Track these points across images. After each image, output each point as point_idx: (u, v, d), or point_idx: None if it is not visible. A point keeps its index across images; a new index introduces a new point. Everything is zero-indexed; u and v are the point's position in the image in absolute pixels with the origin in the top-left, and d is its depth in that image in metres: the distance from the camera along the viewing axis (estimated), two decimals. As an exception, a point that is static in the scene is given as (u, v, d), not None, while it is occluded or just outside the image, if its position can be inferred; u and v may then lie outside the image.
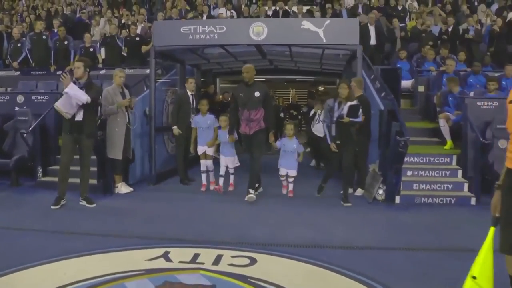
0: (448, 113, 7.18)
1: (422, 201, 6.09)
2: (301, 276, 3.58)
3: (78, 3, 16.56)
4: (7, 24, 12.57)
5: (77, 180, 5.90)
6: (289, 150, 6.48)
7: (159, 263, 3.83)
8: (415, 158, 6.65)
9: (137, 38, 9.75)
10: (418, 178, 6.45)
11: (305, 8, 13.75)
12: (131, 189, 6.75)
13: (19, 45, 9.94)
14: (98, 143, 6.34)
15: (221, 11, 12.80)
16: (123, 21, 12.53)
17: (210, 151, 6.85)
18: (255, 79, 6.19)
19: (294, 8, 12.91)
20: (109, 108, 6.42)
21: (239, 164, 6.76)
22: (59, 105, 5.54)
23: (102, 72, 9.45)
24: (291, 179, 6.57)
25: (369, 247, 4.37)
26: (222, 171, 6.72)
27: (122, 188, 6.71)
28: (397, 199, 6.10)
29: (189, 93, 7.52)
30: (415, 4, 14.73)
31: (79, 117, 5.61)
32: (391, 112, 6.45)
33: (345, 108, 5.98)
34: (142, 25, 11.00)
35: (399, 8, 13.69)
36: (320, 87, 14.75)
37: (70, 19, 13.45)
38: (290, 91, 20.60)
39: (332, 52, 7.91)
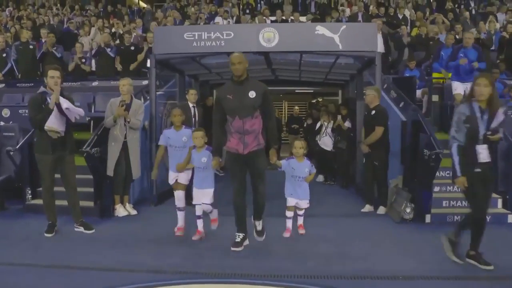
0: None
1: (455, 220, 5.56)
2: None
3: (66, 14, 15.97)
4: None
5: (65, 203, 5.29)
6: (300, 176, 4.96)
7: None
8: (441, 172, 6.12)
9: (132, 48, 9.15)
10: (446, 194, 5.94)
11: (303, 18, 13.41)
12: (130, 211, 6.12)
13: (4, 55, 9.26)
14: (95, 160, 5.72)
15: (217, 20, 12.32)
16: (113, 30, 11.98)
17: (184, 178, 5.19)
18: (249, 75, 4.50)
19: (292, 17, 12.52)
20: (107, 120, 5.85)
21: (211, 201, 4.90)
22: (52, 125, 4.89)
23: (95, 83, 8.82)
24: (301, 212, 5.13)
25: (414, 276, 3.83)
26: (198, 211, 4.95)
27: (120, 210, 6.09)
28: (428, 218, 5.57)
29: (191, 105, 6.97)
30: (412, 12, 14.56)
31: (62, 133, 4.99)
32: (416, 123, 5.95)
33: (499, 117, 3.96)
34: (134, 34, 10.42)
35: (400, 16, 13.45)
36: (319, 99, 14.40)
37: (57, 29, 12.81)
38: (282, 103, 20.10)
39: (344, 59, 7.43)
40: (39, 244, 4.76)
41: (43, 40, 10.23)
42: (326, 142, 8.87)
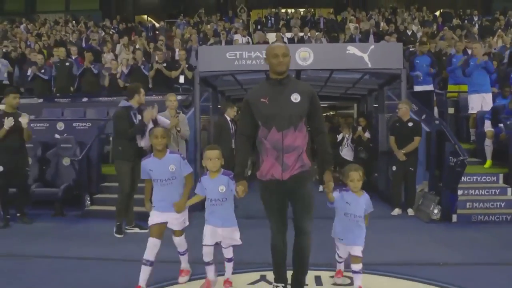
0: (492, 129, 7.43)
1: (479, 219, 6.31)
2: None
3: (82, 31, 16.76)
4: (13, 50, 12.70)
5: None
6: (356, 214, 3.78)
7: (263, 286, 3.91)
8: (463, 178, 6.89)
9: (164, 65, 9.91)
10: (469, 197, 6.68)
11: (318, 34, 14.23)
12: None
13: (43, 71, 10.00)
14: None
15: (236, 37, 13.16)
16: (137, 46, 12.74)
17: (178, 222, 3.97)
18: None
19: (309, 34, 13.36)
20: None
21: (240, 242, 3.86)
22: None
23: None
24: (357, 266, 3.74)
25: (449, 263, 4.55)
26: (208, 257, 3.80)
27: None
28: (454, 218, 6.31)
29: (229, 118, 7.69)
30: (419, 27, 15.47)
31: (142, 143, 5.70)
32: (440, 134, 6.73)
33: None
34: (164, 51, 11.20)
35: (409, 32, 14.35)
36: (333, 112, 15.19)
37: (78, 46, 13.59)
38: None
39: (369, 76, 8.23)
40: (112, 243, 5.44)
41: (72, 57, 11.02)
42: (347, 153, 9.62)
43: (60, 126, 7.39)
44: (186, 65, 9.88)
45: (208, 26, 15.53)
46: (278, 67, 3.35)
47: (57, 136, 7.32)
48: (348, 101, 12.24)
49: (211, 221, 3.78)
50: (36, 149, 7.00)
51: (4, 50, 12.14)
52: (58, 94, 9.99)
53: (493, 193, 6.80)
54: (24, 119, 6.08)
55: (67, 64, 10.09)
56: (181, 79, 9.70)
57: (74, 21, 18.92)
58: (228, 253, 3.90)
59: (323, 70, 7.67)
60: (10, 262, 4.73)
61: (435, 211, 6.38)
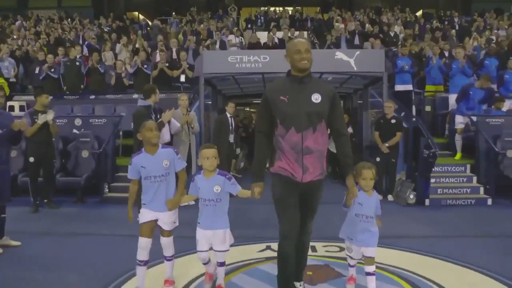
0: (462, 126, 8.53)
1: (448, 203, 7.43)
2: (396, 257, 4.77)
3: (80, 29, 17.47)
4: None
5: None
6: (368, 214, 3.70)
7: (271, 253, 4.91)
8: (435, 168, 7.97)
9: (167, 64, 10.81)
10: (440, 184, 7.79)
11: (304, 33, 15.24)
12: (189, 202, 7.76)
13: (52, 70, 10.81)
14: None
15: (230, 37, 14.09)
16: (137, 45, 13.59)
17: (168, 221, 3.83)
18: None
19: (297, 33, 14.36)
20: (175, 128, 7.34)
21: (228, 248, 3.77)
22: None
23: (135, 96, 10.45)
24: (370, 267, 3.67)
25: (427, 236, 5.61)
26: (204, 260, 3.82)
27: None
28: (427, 202, 7.42)
29: (229, 115, 8.64)
30: (402, 28, 16.56)
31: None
32: (416, 130, 7.82)
33: None
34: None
35: (391, 34, 15.44)
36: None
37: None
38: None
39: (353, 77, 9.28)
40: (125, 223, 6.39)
41: (77, 56, 11.81)
42: (332, 145, 10.64)
43: (78, 122, 8.25)
44: (187, 65, 10.80)
45: (202, 25, 16.41)
46: (301, 64, 3.23)
47: (75, 131, 8.18)
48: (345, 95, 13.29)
49: (204, 224, 3.69)
50: (58, 142, 7.84)
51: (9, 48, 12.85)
52: (67, 92, 10.81)
53: (461, 181, 7.93)
54: (50, 115, 6.96)
55: (77, 63, 10.92)
56: (182, 78, 10.63)
57: (69, 19, 19.55)
58: (221, 257, 3.76)
59: (313, 73, 8.64)
60: (49, 239, 5.64)
61: (411, 196, 7.46)
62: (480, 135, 7.84)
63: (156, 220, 3.79)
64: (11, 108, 10.16)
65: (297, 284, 3.68)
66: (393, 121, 7.88)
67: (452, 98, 9.17)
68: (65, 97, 10.67)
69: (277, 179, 3.37)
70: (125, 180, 7.69)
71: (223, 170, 3.83)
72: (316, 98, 3.25)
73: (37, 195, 7.08)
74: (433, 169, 7.50)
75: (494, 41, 13.61)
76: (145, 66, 10.80)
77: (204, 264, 3.85)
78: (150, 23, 21.36)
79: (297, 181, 3.30)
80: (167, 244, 3.87)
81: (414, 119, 8.07)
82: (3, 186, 5.06)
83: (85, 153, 7.85)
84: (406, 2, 22.96)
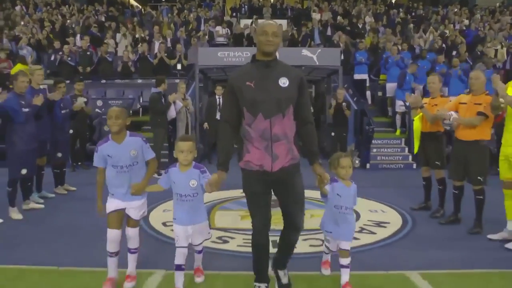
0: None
1: (383, 167, 10.26)
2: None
3: (79, 16, 19.67)
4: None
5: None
6: (347, 206, 3.76)
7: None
8: (378, 140, 10.75)
9: (166, 54, 13.33)
10: (380, 153, 10.60)
11: (283, 25, 17.67)
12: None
13: (69, 59, 13.23)
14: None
15: (217, 29, 16.58)
16: (136, 36, 15.99)
17: (136, 211, 3.83)
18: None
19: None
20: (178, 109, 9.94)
21: (210, 236, 3.96)
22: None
23: (139, 81, 12.97)
24: (346, 259, 3.79)
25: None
26: (180, 259, 3.68)
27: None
28: (368, 166, 10.22)
29: (217, 96, 11.22)
30: (372, 19, 19.14)
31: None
32: (363, 111, 10.57)
33: None
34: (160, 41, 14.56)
35: (360, 25, 18.06)
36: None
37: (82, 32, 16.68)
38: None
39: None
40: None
41: (79, 45, 14.16)
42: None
43: (100, 103, 10.79)
44: (182, 54, 13.36)
45: (191, 15, 18.82)
46: (266, 47, 3.19)
47: (97, 110, 10.71)
48: (308, 83, 15.96)
49: (181, 220, 3.65)
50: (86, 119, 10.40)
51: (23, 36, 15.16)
52: (81, 77, 13.23)
53: (395, 151, 10.74)
54: (81, 99, 9.47)
55: (88, 53, 13.36)
56: (179, 66, 13.17)
57: (67, 6, 21.64)
58: (199, 246, 3.86)
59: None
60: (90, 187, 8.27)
61: (357, 161, 10.25)
62: (409, 115, 10.63)
63: (123, 210, 3.75)
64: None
65: (281, 272, 3.63)
66: (344, 103, 10.60)
67: (389, 86, 11.93)
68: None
69: (246, 174, 3.36)
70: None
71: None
72: (283, 82, 3.21)
73: (74, 159, 9.65)
74: (374, 141, 10.29)
75: (446, 35, 16.37)
76: (148, 54, 13.31)
77: (177, 267, 3.67)
78: (140, 7, 23.68)
79: (267, 171, 3.26)
80: (132, 236, 3.80)
81: (362, 101, 10.79)
82: (67, 149, 7.66)
83: (106, 127, 10.40)
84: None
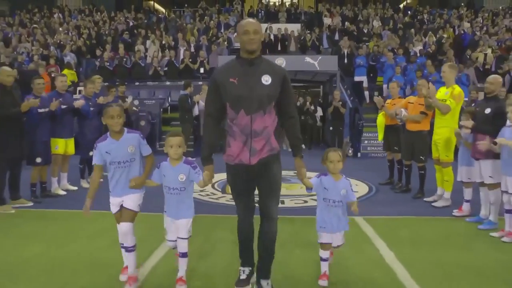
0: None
1: (373, 156, 12.55)
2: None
3: (111, 22, 22.33)
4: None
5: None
6: (335, 199, 3.92)
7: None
8: (369, 134, 12.96)
9: (190, 60, 15.84)
10: (371, 144, 12.86)
11: (295, 31, 19.94)
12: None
13: (108, 64, 15.84)
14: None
15: (235, 35, 19.00)
16: (163, 42, 18.51)
17: (132, 201, 3.89)
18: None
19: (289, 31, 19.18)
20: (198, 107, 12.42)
21: (188, 235, 3.91)
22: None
23: (168, 83, 15.53)
24: (331, 257, 4.15)
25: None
26: (172, 246, 4.02)
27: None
28: (359, 155, 12.56)
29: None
30: (379, 23, 21.25)
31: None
32: (356, 109, 12.90)
33: None
34: (184, 48, 17.07)
35: (365, 31, 20.22)
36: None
37: (114, 39, 19.28)
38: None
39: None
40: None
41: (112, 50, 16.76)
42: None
43: (136, 102, 13.31)
44: (205, 60, 15.85)
45: (212, 21, 21.30)
46: (249, 45, 3.38)
47: (134, 108, 13.23)
48: (316, 83, 18.31)
49: (170, 212, 3.86)
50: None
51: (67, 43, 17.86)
52: (117, 80, 15.82)
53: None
54: (129, 99, 12.01)
55: (124, 59, 15.96)
56: (202, 70, 15.66)
57: (99, 12, 24.30)
58: (183, 246, 3.85)
59: (289, 71, 13.71)
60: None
61: (350, 151, 12.60)
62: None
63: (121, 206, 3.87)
64: (80, 92, 15.21)
65: (263, 282, 3.68)
66: (340, 102, 12.91)
67: (385, 87, 14.17)
68: (116, 83, 15.67)
69: (228, 167, 3.66)
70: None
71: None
72: (266, 79, 3.39)
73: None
74: (365, 134, 12.61)
75: (442, 40, 18.43)
76: (175, 60, 15.85)
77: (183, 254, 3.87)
78: (164, 10, 26.30)
79: (246, 164, 3.49)
80: (126, 231, 3.80)
81: (356, 101, 13.12)
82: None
83: (142, 122, 12.95)
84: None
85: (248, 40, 3.41)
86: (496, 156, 5.56)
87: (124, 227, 3.83)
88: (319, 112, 15.13)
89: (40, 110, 7.03)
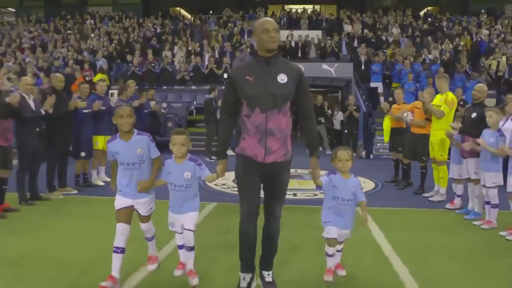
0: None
1: (383, 157, 13.41)
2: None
3: (139, 28, 23.67)
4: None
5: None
6: (344, 197, 4.00)
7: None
8: (380, 137, 13.75)
9: (215, 66, 16.97)
10: (382, 146, 13.72)
11: (316, 37, 20.89)
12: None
13: (137, 69, 17.07)
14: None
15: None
16: (189, 48, 19.69)
17: (145, 207, 4.04)
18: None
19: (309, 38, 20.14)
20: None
21: (194, 228, 3.97)
22: None
23: (193, 87, 16.69)
24: (340, 246, 4.20)
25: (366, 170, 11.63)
26: (181, 240, 4.05)
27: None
28: (371, 156, 13.47)
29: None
30: (398, 30, 22.00)
31: None
32: (369, 114, 13.82)
33: None
34: (209, 54, 18.22)
35: (383, 38, 21.02)
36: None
37: (143, 45, 20.54)
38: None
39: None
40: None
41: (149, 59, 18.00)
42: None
43: (164, 105, 14.49)
44: (228, 65, 16.96)
45: (236, 28, 22.42)
46: (270, 44, 3.43)
47: (162, 110, 14.41)
48: (335, 88, 19.26)
49: (175, 208, 3.94)
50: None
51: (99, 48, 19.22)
52: (147, 84, 17.05)
53: (396, 145, 13.90)
54: (153, 102, 13.15)
55: (153, 64, 17.20)
56: (225, 75, 16.75)
57: (127, 19, 25.67)
58: (190, 240, 3.92)
59: (308, 77, 14.69)
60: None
61: (363, 153, 13.52)
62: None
63: (131, 207, 3.96)
64: (112, 95, 16.47)
65: (265, 273, 3.79)
66: (354, 107, 13.81)
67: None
68: (145, 87, 16.90)
69: (240, 159, 3.63)
70: (193, 140, 13.88)
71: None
72: (282, 78, 3.45)
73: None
74: (378, 137, 13.49)
75: (459, 47, 19.13)
76: (200, 65, 17.02)
77: (180, 246, 4.02)
78: (189, 16, 27.54)
79: (260, 161, 3.53)
80: (147, 229, 4.12)
81: (370, 105, 14.03)
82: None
83: (169, 124, 14.10)
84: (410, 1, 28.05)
85: (268, 39, 3.45)
86: (479, 155, 6.44)
87: (144, 227, 4.12)
88: (340, 116, 15.94)
89: (84, 111, 8.18)
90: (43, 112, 7.21)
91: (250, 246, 3.70)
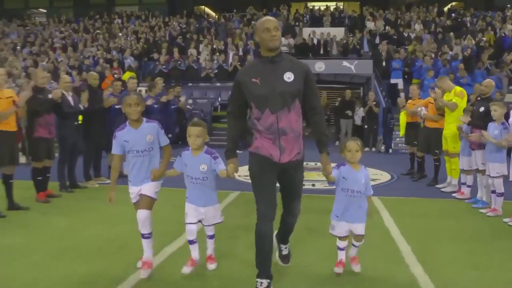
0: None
1: (401, 152, 13.76)
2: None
3: (164, 26, 24.43)
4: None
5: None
6: (354, 189, 3.96)
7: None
8: (397, 132, 14.23)
9: (239, 63, 17.58)
10: (400, 141, 14.07)
11: (338, 35, 21.25)
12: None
13: (164, 67, 17.83)
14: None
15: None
16: (214, 46, 20.35)
17: (150, 188, 4.04)
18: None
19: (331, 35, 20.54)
20: None
21: (223, 219, 4.19)
22: None
23: (218, 84, 17.34)
24: (357, 242, 4.14)
25: (386, 163, 12.07)
26: (191, 235, 4.04)
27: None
28: (390, 151, 13.87)
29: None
30: (420, 26, 22.16)
31: None
32: (389, 109, 14.23)
33: None
34: (233, 52, 18.84)
35: (405, 35, 21.27)
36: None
37: (169, 43, 21.28)
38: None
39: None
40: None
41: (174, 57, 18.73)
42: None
43: (190, 101, 15.19)
44: (252, 64, 17.53)
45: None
46: (271, 43, 3.42)
47: (188, 106, 15.11)
48: (356, 84, 19.64)
49: (193, 200, 3.97)
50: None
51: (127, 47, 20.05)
52: (173, 81, 17.78)
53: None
54: (182, 99, 13.83)
55: (179, 62, 17.92)
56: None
57: (154, 18, 26.50)
58: (210, 230, 4.11)
59: (328, 74, 15.18)
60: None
61: (382, 147, 13.94)
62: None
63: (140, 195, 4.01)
64: (140, 92, 17.26)
65: (282, 246, 4.01)
66: (374, 102, 14.22)
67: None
68: (172, 83, 17.64)
69: (255, 158, 3.61)
70: (217, 134, 14.51)
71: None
72: (288, 77, 3.45)
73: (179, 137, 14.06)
74: (396, 132, 13.87)
75: (481, 43, 19.27)
76: (224, 64, 17.67)
77: (190, 242, 4.02)
78: (214, 14, 28.22)
79: (275, 161, 3.53)
80: (144, 218, 3.91)
81: (389, 101, 14.43)
82: (174, 132, 12.01)
83: (195, 119, 14.70)
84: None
85: (269, 38, 3.43)
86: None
87: (141, 215, 3.95)
88: (361, 112, 16.31)
89: (117, 107, 8.83)
90: (81, 108, 7.92)
91: (266, 250, 3.61)
